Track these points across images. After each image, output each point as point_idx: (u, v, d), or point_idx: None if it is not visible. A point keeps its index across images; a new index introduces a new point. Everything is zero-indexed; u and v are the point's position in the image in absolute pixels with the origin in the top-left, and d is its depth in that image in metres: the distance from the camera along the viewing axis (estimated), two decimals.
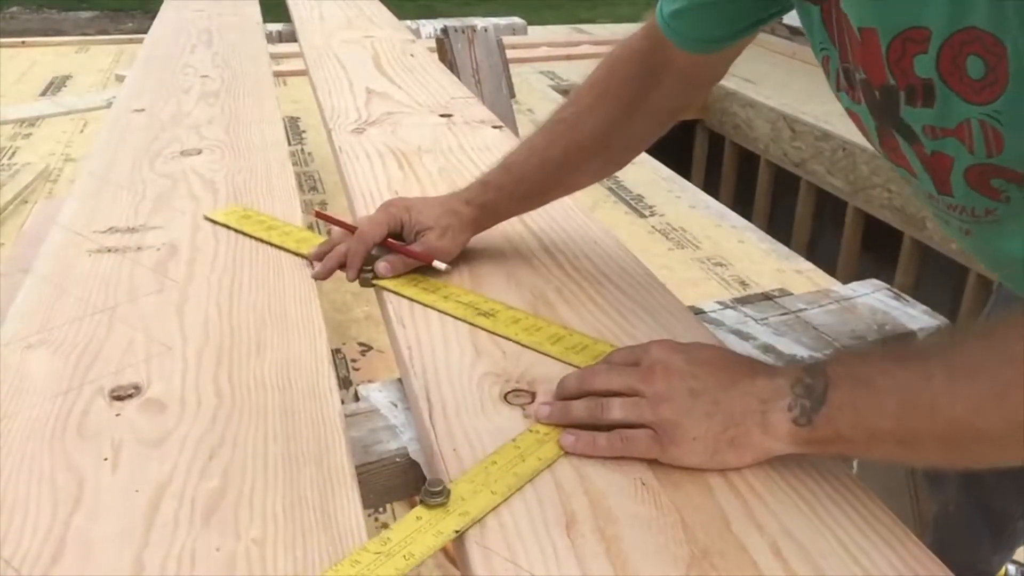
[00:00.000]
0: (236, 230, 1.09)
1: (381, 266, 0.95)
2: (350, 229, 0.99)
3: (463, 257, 1.02)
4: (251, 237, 1.07)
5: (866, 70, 0.68)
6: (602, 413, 0.68)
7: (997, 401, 0.57)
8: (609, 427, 0.68)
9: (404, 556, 0.58)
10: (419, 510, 0.62)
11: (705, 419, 0.65)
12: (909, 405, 0.59)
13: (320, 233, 1.10)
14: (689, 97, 0.96)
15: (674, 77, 0.91)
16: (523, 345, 0.83)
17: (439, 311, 0.89)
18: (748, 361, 0.70)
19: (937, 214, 0.75)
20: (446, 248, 0.96)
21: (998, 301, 1.05)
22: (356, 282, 0.96)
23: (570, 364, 0.80)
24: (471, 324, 0.87)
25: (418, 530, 0.60)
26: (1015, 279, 0.81)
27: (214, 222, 1.11)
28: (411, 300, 0.91)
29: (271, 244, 1.05)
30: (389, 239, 0.97)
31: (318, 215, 1.10)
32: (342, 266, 0.97)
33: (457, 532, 0.60)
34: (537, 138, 0.99)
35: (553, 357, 0.81)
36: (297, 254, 1.03)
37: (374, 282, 0.95)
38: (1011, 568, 1.43)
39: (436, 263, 0.94)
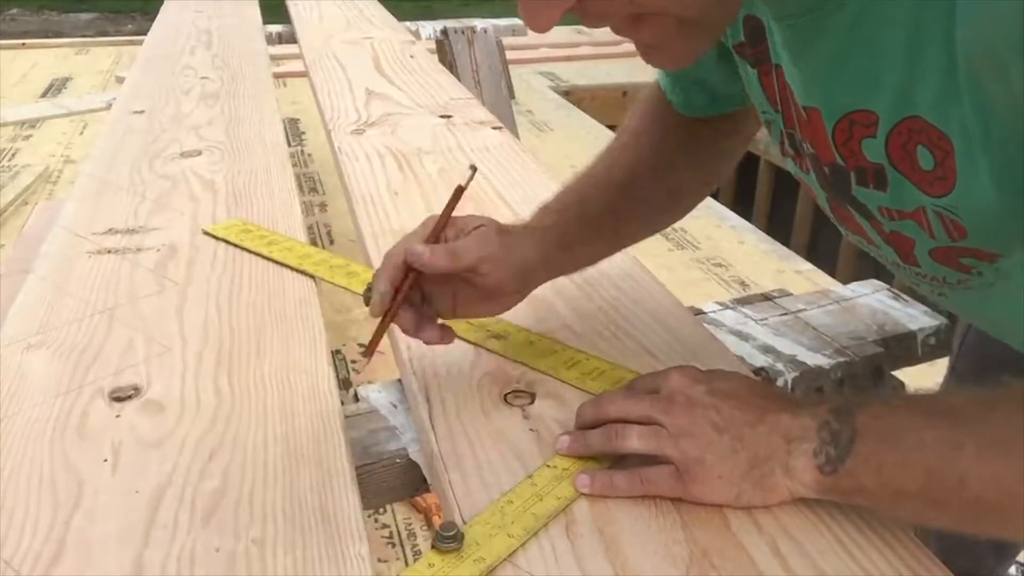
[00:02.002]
0: (236, 245, 1.06)
1: (417, 249, 0.69)
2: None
3: None
4: (252, 252, 1.04)
5: (814, 146, 0.65)
6: (618, 440, 0.65)
7: None
8: (627, 456, 0.65)
9: None
10: (431, 556, 0.58)
11: (730, 456, 0.61)
12: (936, 474, 0.56)
13: (322, 247, 1.09)
14: (741, 144, 0.90)
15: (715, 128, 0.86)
16: (538, 371, 0.80)
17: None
18: (772, 393, 0.67)
19: (905, 278, 0.72)
20: (508, 265, 0.74)
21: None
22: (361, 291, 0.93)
23: (587, 391, 0.76)
24: (482, 348, 0.83)
25: None
26: (996, 333, 0.79)
27: (214, 237, 1.09)
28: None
29: (272, 260, 1.02)
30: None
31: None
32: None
33: None
34: (601, 168, 0.86)
35: (570, 384, 0.78)
36: (299, 271, 1.00)
37: None
38: (1012, 569, 1.43)
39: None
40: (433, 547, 0.59)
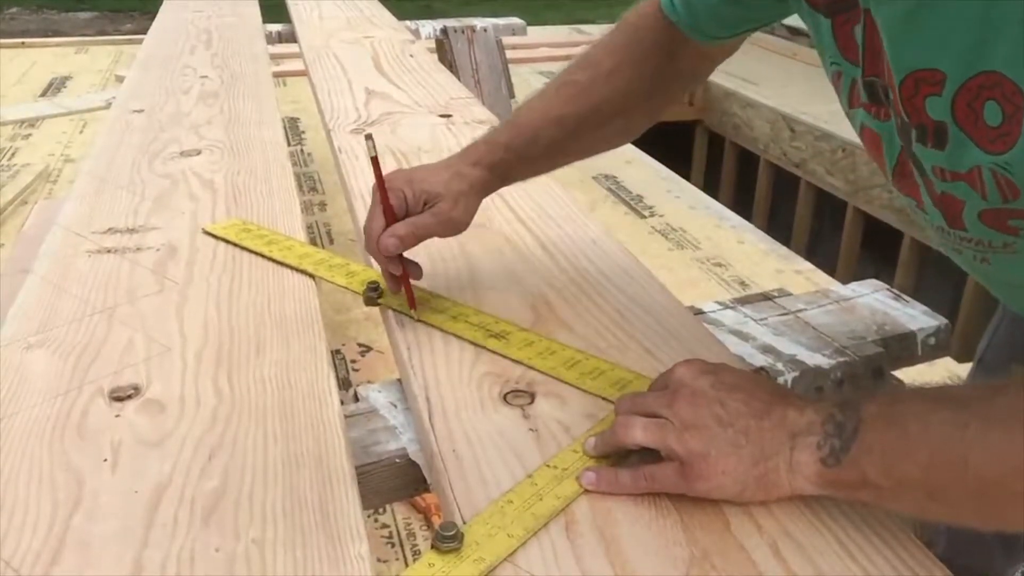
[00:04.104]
0: (236, 244, 1.06)
1: (389, 242, 0.82)
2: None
3: (463, 258, 1.02)
4: (251, 252, 1.04)
5: (885, 88, 0.65)
6: (623, 431, 0.65)
7: None
8: (634, 451, 0.66)
9: None
10: (431, 556, 0.58)
11: (734, 451, 0.61)
12: (939, 455, 0.55)
13: (321, 246, 1.09)
14: (706, 71, 0.94)
15: (693, 51, 0.88)
16: (538, 370, 0.80)
17: (448, 333, 0.86)
18: (778, 389, 0.66)
19: (947, 245, 0.72)
20: (460, 219, 0.87)
21: (1006, 315, 1.04)
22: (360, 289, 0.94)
23: (587, 391, 0.77)
24: (482, 347, 0.83)
25: None
26: None
27: (214, 236, 1.09)
28: (417, 320, 0.88)
29: (272, 260, 1.02)
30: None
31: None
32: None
33: None
34: (548, 98, 0.92)
35: (569, 384, 0.78)
36: (299, 270, 1.00)
37: (379, 301, 0.92)
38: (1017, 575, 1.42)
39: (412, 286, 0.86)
40: (433, 547, 0.59)
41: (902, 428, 0.57)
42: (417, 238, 0.85)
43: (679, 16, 0.84)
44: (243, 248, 1.05)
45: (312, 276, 0.99)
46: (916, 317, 1.06)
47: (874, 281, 1.15)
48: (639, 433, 0.64)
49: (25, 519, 0.62)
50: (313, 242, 1.09)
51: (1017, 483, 0.52)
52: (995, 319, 1.06)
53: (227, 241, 1.07)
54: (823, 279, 2.60)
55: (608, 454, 0.67)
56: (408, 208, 0.85)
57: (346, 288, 0.97)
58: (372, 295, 0.92)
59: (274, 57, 2.63)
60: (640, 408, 0.66)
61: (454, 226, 0.86)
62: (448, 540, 0.58)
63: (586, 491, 0.64)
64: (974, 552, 1.04)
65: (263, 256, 1.03)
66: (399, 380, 0.84)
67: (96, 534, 0.61)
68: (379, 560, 1.59)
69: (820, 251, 3.94)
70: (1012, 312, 1.01)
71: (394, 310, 0.91)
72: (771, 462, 0.60)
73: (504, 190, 1.23)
